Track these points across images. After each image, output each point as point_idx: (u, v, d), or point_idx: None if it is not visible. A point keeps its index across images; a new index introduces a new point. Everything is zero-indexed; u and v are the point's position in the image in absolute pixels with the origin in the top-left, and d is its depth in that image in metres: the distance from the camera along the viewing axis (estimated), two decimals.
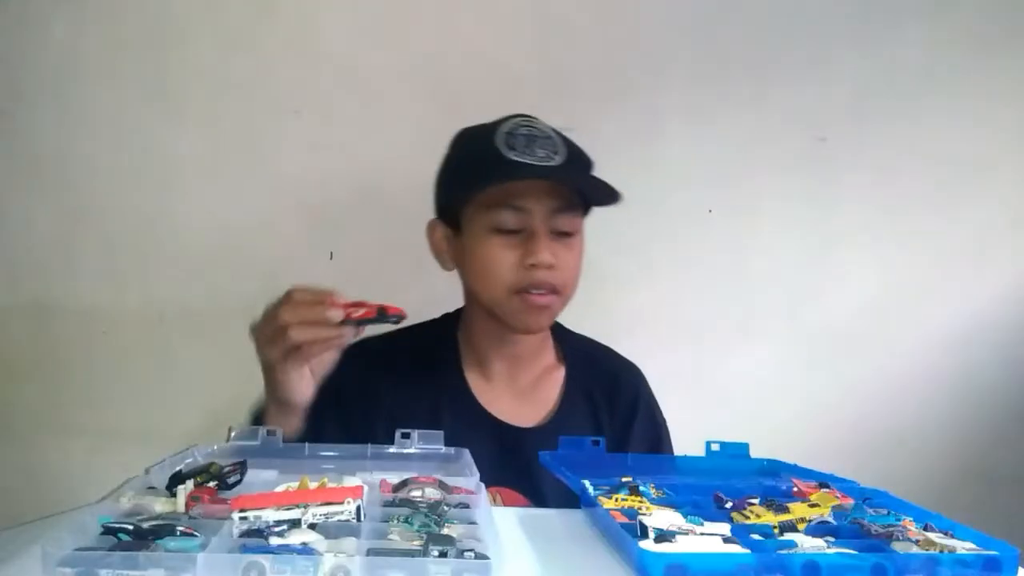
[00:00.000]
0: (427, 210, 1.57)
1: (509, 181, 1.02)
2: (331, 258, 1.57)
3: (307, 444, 0.86)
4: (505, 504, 1.03)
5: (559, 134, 1.08)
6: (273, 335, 0.89)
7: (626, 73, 1.62)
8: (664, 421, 1.20)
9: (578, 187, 1.05)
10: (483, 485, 0.74)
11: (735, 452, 0.93)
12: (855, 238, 1.68)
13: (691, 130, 1.64)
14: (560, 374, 1.17)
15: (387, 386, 1.10)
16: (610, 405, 1.16)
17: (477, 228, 1.05)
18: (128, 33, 1.54)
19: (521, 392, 1.14)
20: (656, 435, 1.18)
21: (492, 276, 1.04)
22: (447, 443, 0.98)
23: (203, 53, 1.55)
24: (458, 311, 1.21)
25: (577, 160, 1.07)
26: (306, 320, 0.88)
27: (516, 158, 1.01)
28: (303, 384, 0.93)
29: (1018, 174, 1.70)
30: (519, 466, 1.04)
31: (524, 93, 1.58)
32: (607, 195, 1.06)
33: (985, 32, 1.68)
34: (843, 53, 1.66)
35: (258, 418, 0.99)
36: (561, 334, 1.21)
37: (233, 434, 0.87)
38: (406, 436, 0.86)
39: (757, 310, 1.67)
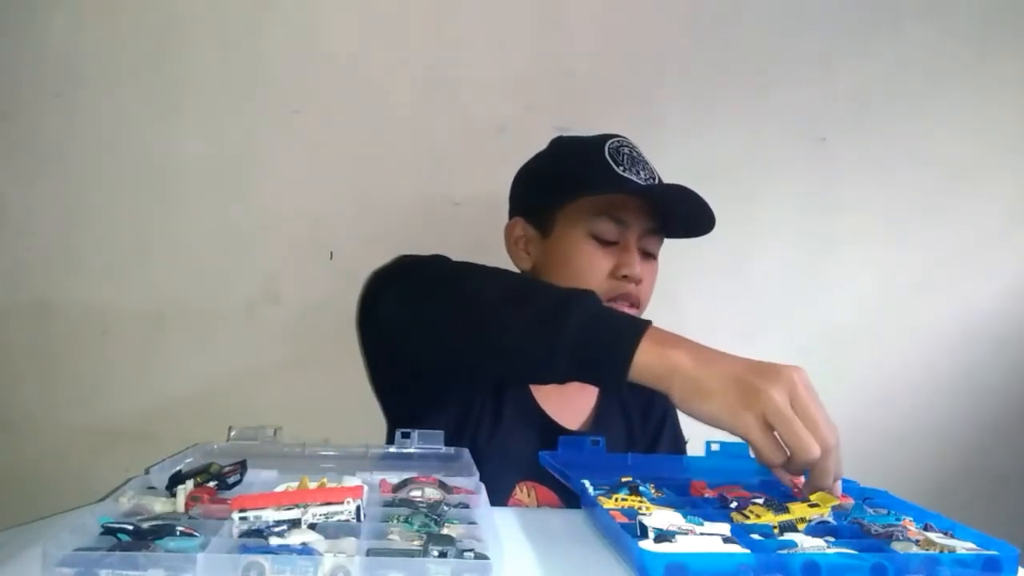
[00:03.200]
0: (427, 210, 1.58)
1: (625, 193, 1.06)
2: (331, 258, 1.57)
3: (306, 444, 0.86)
4: (539, 500, 1.05)
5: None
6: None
7: (626, 73, 1.62)
8: (686, 440, 1.24)
9: (680, 212, 1.08)
10: (483, 485, 0.74)
11: (735, 452, 0.93)
12: (855, 238, 1.68)
13: (691, 130, 1.64)
14: None
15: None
16: (642, 419, 1.20)
17: (573, 233, 1.09)
18: (128, 33, 1.54)
19: (567, 396, 1.15)
20: (681, 452, 1.22)
21: (585, 281, 1.06)
22: (505, 432, 1.02)
23: (203, 53, 1.55)
24: None
25: (689, 194, 1.07)
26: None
27: (624, 174, 1.06)
28: None
29: (1018, 175, 1.70)
30: None
31: (524, 93, 1.58)
32: (699, 224, 1.10)
33: (986, 32, 1.68)
34: (843, 53, 1.66)
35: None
36: None
37: (233, 434, 0.87)
38: (406, 436, 0.86)
39: (757, 310, 1.67)
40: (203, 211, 1.56)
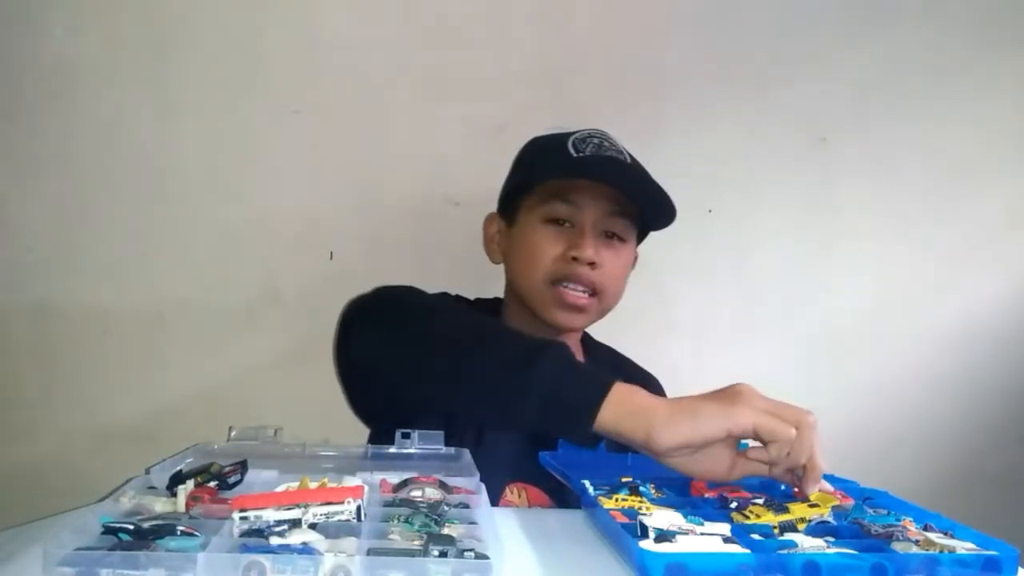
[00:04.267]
0: (427, 210, 1.58)
1: (571, 177, 1.05)
2: (331, 258, 1.57)
3: (306, 444, 0.85)
4: (529, 500, 1.04)
5: (630, 154, 1.10)
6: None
7: (626, 73, 1.62)
8: None
9: (631, 191, 1.06)
10: (483, 485, 0.74)
11: None
12: (855, 238, 1.68)
13: (691, 130, 1.64)
14: None
15: None
16: None
17: (531, 218, 1.08)
18: (128, 33, 1.54)
19: None
20: None
21: (534, 264, 1.06)
22: (492, 432, 1.00)
23: (203, 53, 1.55)
24: (496, 300, 1.23)
25: (640, 171, 1.09)
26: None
27: (582, 157, 1.04)
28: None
29: (1018, 174, 1.70)
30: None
31: (524, 93, 1.58)
32: (662, 209, 1.08)
33: (986, 32, 1.68)
34: (843, 53, 1.66)
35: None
36: (588, 344, 1.23)
37: (233, 434, 0.87)
38: (406, 436, 0.86)
39: (757, 310, 1.67)
40: (203, 211, 1.56)
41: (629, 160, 1.08)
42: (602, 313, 1.11)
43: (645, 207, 1.08)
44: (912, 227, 1.68)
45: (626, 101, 1.62)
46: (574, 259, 1.03)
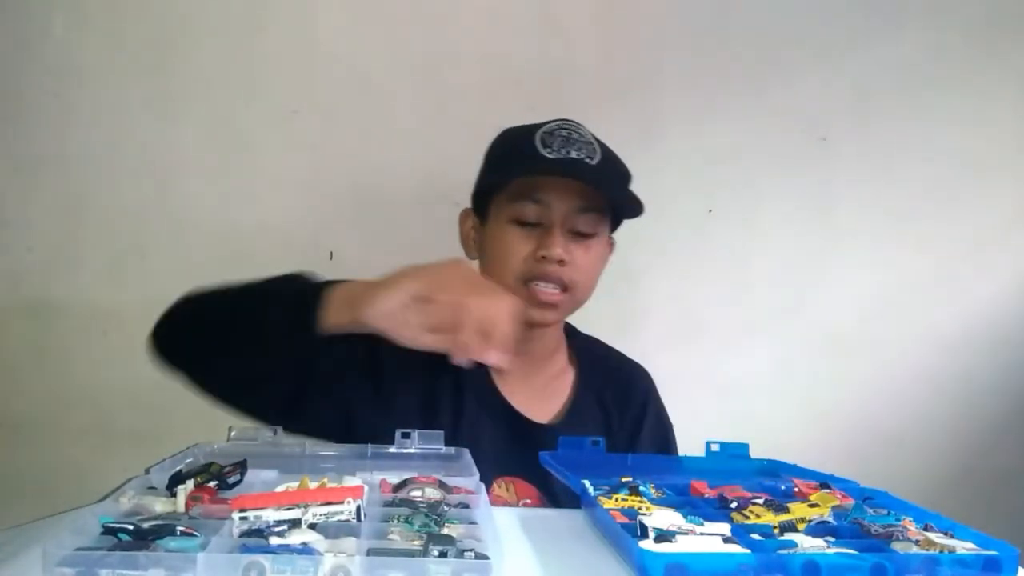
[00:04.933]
0: (427, 210, 1.58)
1: (534, 175, 1.04)
2: (331, 258, 1.57)
3: (307, 444, 0.86)
4: (517, 493, 1.04)
5: (601, 143, 1.09)
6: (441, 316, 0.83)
7: (626, 73, 1.63)
8: (671, 427, 1.22)
9: (599, 187, 1.05)
10: (483, 485, 0.74)
11: (735, 452, 0.93)
12: (855, 238, 1.68)
13: (691, 130, 1.64)
14: (571, 376, 1.18)
15: (421, 364, 1.07)
16: (620, 407, 1.17)
17: (500, 218, 1.08)
18: (128, 33, 1.55)
19: (536, 390, 1.15)
20: (664, 436, 1.19)
21: (504, 264, 1.06)
22: (468, 426, 0.99)
23: (203, 53, 1.55)
24: None
25: (611, 168, 1.08)
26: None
27: (550, 155, 1.03)
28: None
29: (1018, 174, 1.70)
30: (533, 459, 1.05)
31: (524, 93, 1.58)
32: (630, 204, 1.08)
33: (986, 31, 1.68)
34: (843, 52, 1.66)
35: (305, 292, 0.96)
36: (572, 336, 1.23)
37: (233, 434, 0.87)
38: (406, 436, 0.86)
39: (757, 310, 1.67)
40: (203, 211, 1.56)
41: (597, 151, 1.07)
42: (575, 306, 1.11)
43: (614, 201, 1.08)
44: (912, 227, 1.68)
45: (626, 101, 1.62)
46: (544, 258, 1.04)
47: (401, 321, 0.85)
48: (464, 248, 1.18)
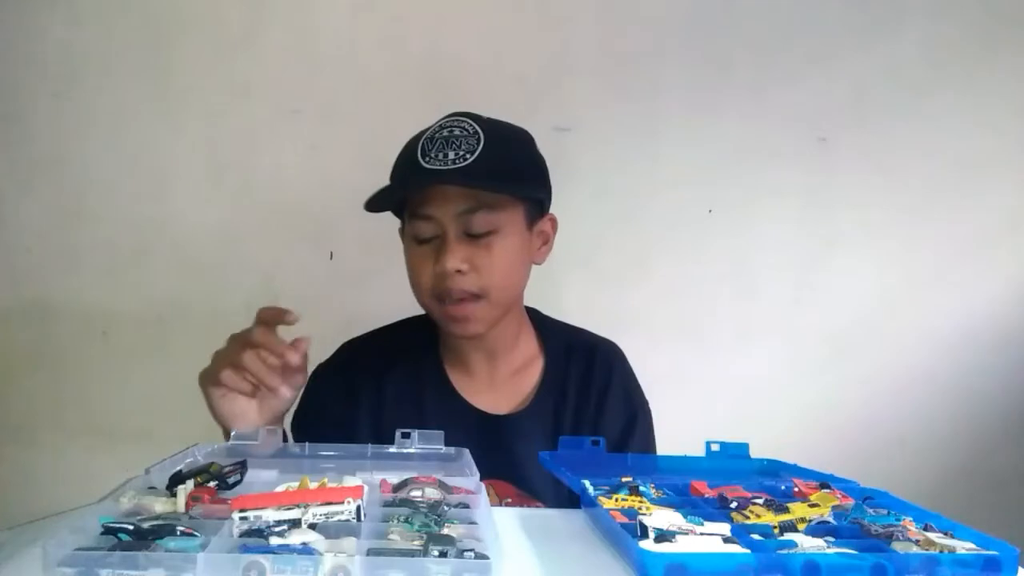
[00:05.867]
0: None
1: (408, 193, 1.04)
2: (331, 258, 1.57)
3: (307, 444, 0.86)
4: (498, 495, 1.04)
5: (489, 127, 1.04)
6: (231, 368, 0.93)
7: (625, 73, 1.62)
8: (643, 403, 1.18)
9: (471, 185, 1.00)
10: (483, 485, 0.74)
11: (735, 452, 0.93)
12: (855, 238, 1.68)
13: (691, 130, 1.64)
14: (539, 364, 1.16)
15: (369, 387, 1.12)
16: (584, 385, 1.14)
17: (407, 237, 1.08)
18: (128, 33, 1.55)
19: (500, 384, 1.14)
20: (630, 414, 1.15)
21: (416, 285, 1.06)
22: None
23: (203, 53, 1.55)
24: None
25: (493, 155, 1.01)
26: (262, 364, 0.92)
27: (426, 164, 1.01)
28: (250, 414, 0.96)
29: (1018, 174, 1.70)
30: (505, 457, 1.05)
31: (524, 92, 1.58)
32: (523, 184, 1.05)
33: (986, 31, 1.68)
34: (843, 52, 1.66)
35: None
36: (541, 324, 1.20)
37: (233, 434, 0.87)
38: (406, 436, 0.86)
39: (757, 310, 1.67)
40: (203, 211, 1.56)
41: (479, 142, 1.01)
42: (501, 308, 1.07)
43: (501, 191, 1.02)
44: (912, 226, 1.68)
45: (626, 102, 1.62)
46: (442, 274, 1.02)
47: (233, 409, 0.95)
48: None
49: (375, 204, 1.07)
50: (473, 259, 1.02)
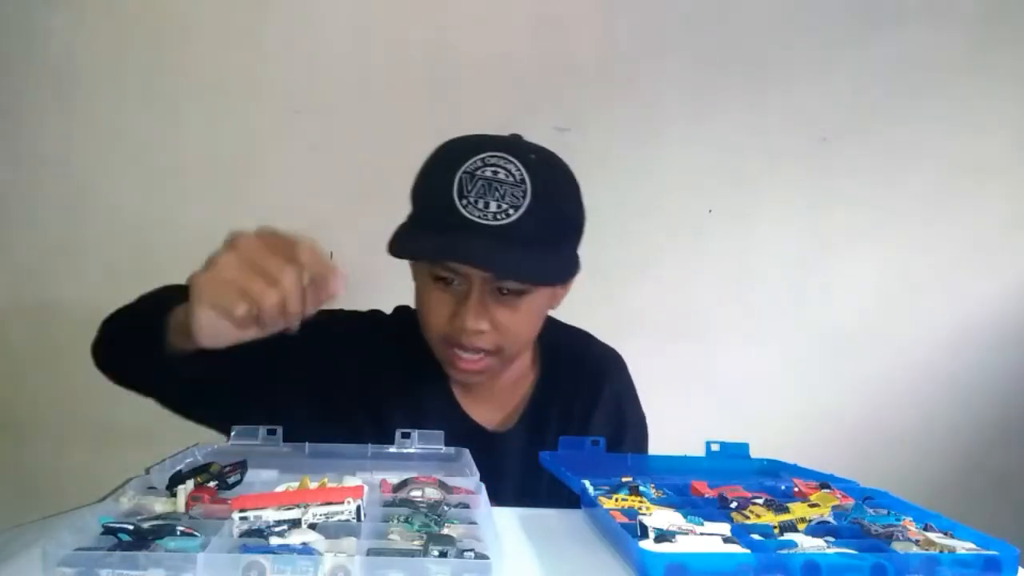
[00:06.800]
0: None
1: (437, 258, 0.94)
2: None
3: (307, 444, 0.85)
4: None
5: (537, 175, 0.93)
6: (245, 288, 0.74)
7: (626, 72, 1.63)
8: (635, 421, 1.13)
9: (504, 271, 0.91)
10: (483, 485, 0.74)
11: (735, 452, 0.93)
12: (855, 238, 1.68)
13: (691, 130, 1.64)
14: (533, 375, 1.11)
15: (370, 375, 1.05)
16: (570, 399, 1.10)
17: (421, 269, 0.99)
18: (128, 33, 1.55)
19: (497, 393, 1.09)
20: (618, 425, 1.10)
21: (428, 323, 0.99)
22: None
23: (203, 53, 1.55)
24: None
25: (540, 214, 0.92)
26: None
27: (462, 210, 0.91)
28: (226, 335, 0.79)
29: (1018, 175, 1.70)
30: (494, 471, 0.94)
31: (524, 92, 1.58)
32: (555, 271, 0.96)
33: (986, 31, 1.68)
34: (843, 53, 1.66)
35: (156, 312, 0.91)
36: (544, 328, 1.09)
37: (233, 434, 0.87)
38: (406, 436, 0.86)
39: (757, 310, 1.67)
40: (203, 211, 1.56)
41: (526, 194, 0.91)
42: (514, 358, 1.03)
43: (540, 282, 0.95)
44: (913, 227, 1.68)
45: (626, 101, 1.62)
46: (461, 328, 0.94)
47: (227, 332, 0.77)
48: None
49: (404, 248, 0.97)
50: (496, 317, 0.95)
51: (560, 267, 0.98)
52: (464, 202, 0.91)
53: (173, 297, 0.89)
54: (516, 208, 0.91)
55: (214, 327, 0.77)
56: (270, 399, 0.98)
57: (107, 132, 1.55)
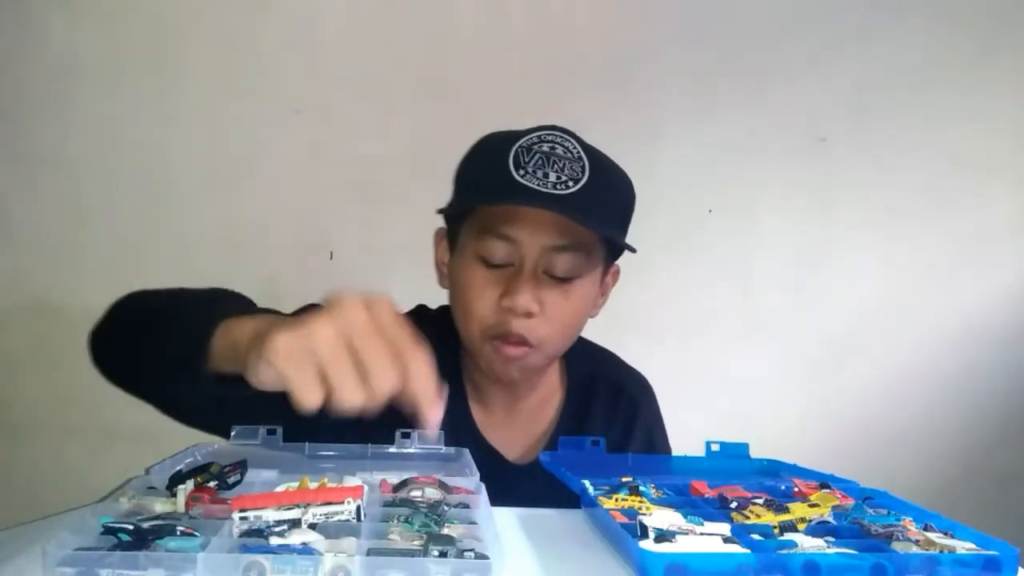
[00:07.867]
0: (427, 211, 1.57)
1: (496, 203, 0.88)
2: (331, 258, 1.57)
3: (307, 444, 0.85)
4: None
5: (594, 157, 0.91)
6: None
7: (626, 73, 1.63)
8: (666, 450, 1.11)
9: (579, 219, 0.87)
10: (483, 485, 0.74)
11: (735, 452, 0.93)
12: (855, 238, 1.68)
13: (691, 130, 1.64)
14: (558, 399, 1.06)
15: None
16: (606, 428, 1.05)
17: (466, 251, 0.93)
18: (128, 33, 1.55)
19: (517, 418, 1.04)
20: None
21: (469, 314, 0.92)
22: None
23: (203, 53, 1.55)
24: (443, 309, 1.10)
25: (600, 192, 0.89)
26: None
27: (520, 179, 0.86)
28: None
29: (1018, 174, 1.70)
30: (509, 499, 0.90)
31: (524, 92, 1.58)
32: (617, 239, 0.93)
33: (985, 31, 1.68)
34: (843, 52, 1.66)
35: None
36: (567, 350, 1.04)
37: (233, 434, 0.87)
38: (406, 436, 0.86)
39: (757, 310, 1.67)
40: (203, 211, 1.56)
41: (584, 171, 0.89)
42: (551, 360, 0.98)
43: (613, 237, 0.91)
44: (913, 227, 1.68)
45: (626, 101, 1.62)
46: (508, 309, 0.88)
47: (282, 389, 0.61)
48: (437, 274, 1.03)
49: (450, 212, 0.93)
50: (546, 302, 0.89)
51: (622, 235, 0.94)
52: (522, 172, 0.87)
53: (219, 305, 0.76)
54: (576, 181, 0.87)
55: (273, 385, 0.61)
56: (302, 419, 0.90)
57: (107, 132, 1.54)
